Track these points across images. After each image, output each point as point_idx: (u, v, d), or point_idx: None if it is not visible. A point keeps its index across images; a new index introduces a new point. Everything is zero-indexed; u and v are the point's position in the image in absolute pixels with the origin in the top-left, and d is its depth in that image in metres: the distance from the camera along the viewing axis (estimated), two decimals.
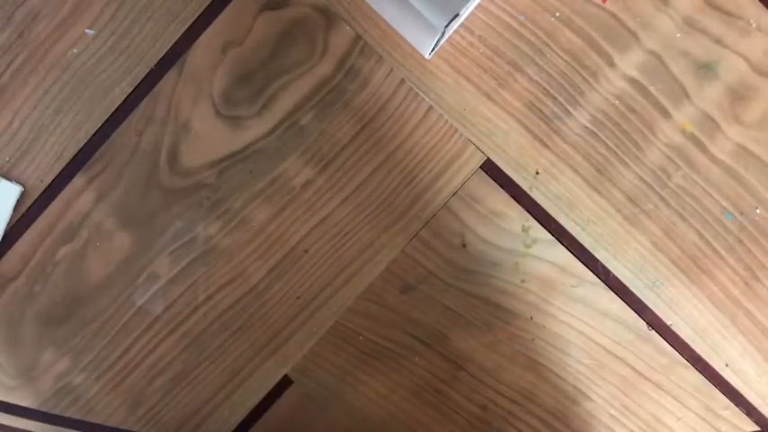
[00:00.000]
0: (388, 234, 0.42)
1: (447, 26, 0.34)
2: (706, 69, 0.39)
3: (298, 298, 0.43)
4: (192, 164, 0.42)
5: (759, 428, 0.42)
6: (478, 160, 0.41)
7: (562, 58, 0.39)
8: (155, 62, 0.41)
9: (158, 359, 0.44)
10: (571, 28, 0.39)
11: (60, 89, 0.41)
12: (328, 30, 0.40)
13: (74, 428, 0.46)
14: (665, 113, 0.39)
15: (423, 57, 0.39)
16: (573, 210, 0.41)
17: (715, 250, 0.40)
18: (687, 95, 0.39)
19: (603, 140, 0.40)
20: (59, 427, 0.46)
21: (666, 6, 0.39)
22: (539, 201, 0.41)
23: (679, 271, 0.41)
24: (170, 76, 0.41)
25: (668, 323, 0.41)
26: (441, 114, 0.41)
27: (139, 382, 0.45)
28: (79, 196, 0.43)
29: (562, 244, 0.41)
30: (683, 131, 0.40)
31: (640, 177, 0.40)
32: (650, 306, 0.41)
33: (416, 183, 0.41)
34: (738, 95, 0.39)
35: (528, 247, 0.42)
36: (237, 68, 0.41)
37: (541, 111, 0.40)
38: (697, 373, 0.42)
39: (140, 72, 0.41)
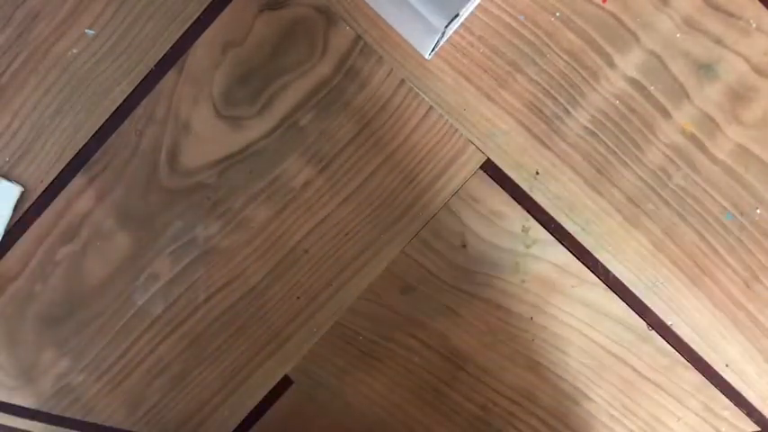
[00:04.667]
0: (388, 234, 0.42)
1: (447, 26, 0.34)
2: (706, 69, 0.39)
3: (298, 298, 0.43)
4: (192, 164, 0.42)
5: (759, 429, 0.42)
6: (478, 160, 0.41)
7: (562, 58, 0.39)
8: (155, 62, 0.41)
9: (158, 359, 0.44)
10: (571, 28, 0.39)
11: (60, 89, 0.41)
12: (328, 30, 0.40)
13: (74, 428, 0.46)
14: (665, 113, 0.39)
15: (423, 57, 0.39)
16: (573, 210, 0.41)
17: (715, 250, 0.40)
18: (687, 95, 0.39)
19: (603, 140, 0.40)
20: (59, 428, 0.46)
21: (666, 6, 0.38)
22: (539, 201, 0.41)
23: (679, 271, 0.41)
24: (170, 76, 0.41)
25: (668, 323, 0.41)
26: (441, 114, 0.41)
27: (139, 382, 0.45)
28: (79, 196, 0.43)
29: (562, 244, 0.41)
30: (683, 131, 0.40)
31: (640, 177, 0.40)
32: (650, 306, 0.41)
33: (416, 183, 0.41)
34: (738, 95, 0.39)
35: (528, 247, 0.42)
36: (237, 68, 0.41)
37: (541, 111, 0.40)
38: (697, 373, 0.42)
39: (140, 72, 0.41)
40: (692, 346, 0.42)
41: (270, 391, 0.45)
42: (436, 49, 0.38)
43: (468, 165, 0.41)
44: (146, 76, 0.41)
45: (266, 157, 0.42)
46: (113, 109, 0.42)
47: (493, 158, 0.41)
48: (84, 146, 0.42)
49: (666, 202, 0.40)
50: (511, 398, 0.43)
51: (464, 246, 0.42)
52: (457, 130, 0.41)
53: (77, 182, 0.42)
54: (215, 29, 0.41)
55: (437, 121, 0.41)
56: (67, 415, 0.46)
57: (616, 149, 0.40)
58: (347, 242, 0.42)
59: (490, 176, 0.41)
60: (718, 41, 0.39)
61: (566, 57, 0.39)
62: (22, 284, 0.44)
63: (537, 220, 0.41)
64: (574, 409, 0.43)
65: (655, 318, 0.41)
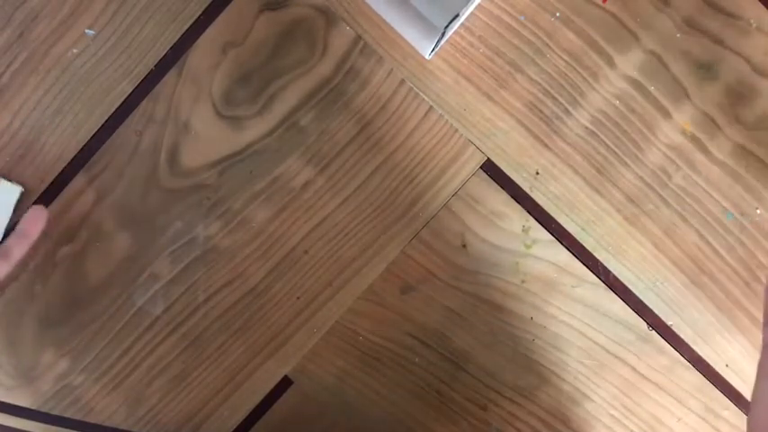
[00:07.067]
0: (388, 234, 0.42)
1: (447, 26, 0.34)
2: (706, 69, 0.39)
3: (298, 298, 0.43)
4: (192, 164, 0.42)
5: None
6: (478, 160, 0.41)
7: (562, 58, 0.39)
8: (155, 62, 0.41)
9: (158, 360, 0.44)
10: (571, 28, 0.39)
11: (60, 89, 0.41)
12: (328, 30, 0.40)
13: (73, 429, 0.46)
14: (665, 113, 0.39)
15: (423, 57, 0.39)
16: (573, 210, 0.41)
17: (715, 250, 0.40)
18: (687, 95, 0.39)
19: (603, 140, 0.40)
20: (59, 428, 0.46)
21: (666, 6, 0.39)
22: (539, 201, 0.41)
23: (679, 271, 0.41)
24: (170, 76, 0.41)
25: (668, 323, 0.41)
26: (441, 115, 0.41)
27: (139, 382, 0.45)
28: (79, 196, 0.43)
29: (562, 244, 0.41)
30: (683, 131, 0.40)
31: (640, 177, 0.40)
32: (650, 306, 0.41)
33: (416, 183, 0.41)
34: (738, 95, 0.39)
35: (528, 247, 0.42)
36: (238, 69, 0.41)
37: (541, 111, 0.40)
38: (697, 373, 0.42)
39: (140, 72, 0.41)
40: (693, 346, 0.42)
41: (270, 391, 0.45)
42: (436, 49, 0.38)
43: (468, 165, 0.41)
44: (146, 77, 0.41)
45: (266, 157, 0.42)
46: (113, 109, 0.42)
47: (493, 158, 0.41)
48: (85, 146, 0.42)
49: (666, 202, 0.40)
50: (511, 398, 0.43)
51: (464, 246, 0.42)
52: (457, 130, 0.41)
53: (77, 182, 0.42)
54: (215, 29, 0.41)
55: (437, 122, 0.41)
56: (67, 415, 0.46)
57: (616, 149, 0.40)
58: (347, 242, 0.42)
59: (490, 176, 0.41)
60: (718, 41, 0.39)
61: (566, 57, 0.39)
62: (22, 285, 0.44)
63: (537, 220, 0.41)
64: (574, 409, 0.43)
65: (655, 318, 0.41)
